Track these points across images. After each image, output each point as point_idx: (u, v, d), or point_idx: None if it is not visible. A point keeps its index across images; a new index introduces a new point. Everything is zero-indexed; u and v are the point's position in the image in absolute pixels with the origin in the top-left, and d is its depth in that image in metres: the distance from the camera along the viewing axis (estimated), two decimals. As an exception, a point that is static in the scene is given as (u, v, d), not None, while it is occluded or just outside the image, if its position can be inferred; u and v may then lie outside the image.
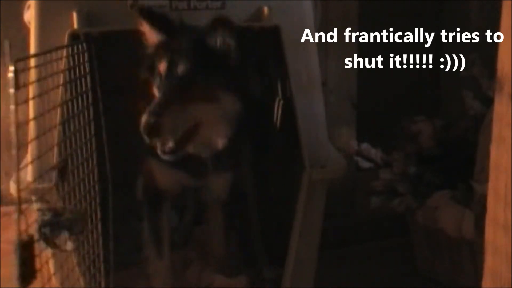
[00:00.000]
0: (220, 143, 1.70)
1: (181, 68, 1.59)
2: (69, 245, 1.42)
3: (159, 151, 1.62)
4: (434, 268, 2.33)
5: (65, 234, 1.37)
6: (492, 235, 1.34)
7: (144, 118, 1.52)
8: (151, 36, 1.70)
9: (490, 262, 1.36)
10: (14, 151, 1.24)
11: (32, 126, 1.66)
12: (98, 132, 1.66)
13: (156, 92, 1.65)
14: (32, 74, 1.56)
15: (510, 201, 1.28)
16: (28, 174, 1.72)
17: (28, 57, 1.37)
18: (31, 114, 1.68)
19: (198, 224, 2.21)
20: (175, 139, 1.59)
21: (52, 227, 1.35)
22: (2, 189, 2.36)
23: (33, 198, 1.50)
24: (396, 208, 2.28)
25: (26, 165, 1.55)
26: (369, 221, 2.58)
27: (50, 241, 1.34)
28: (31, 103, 1.65)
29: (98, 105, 1.66)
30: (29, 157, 1.71)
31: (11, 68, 1.17)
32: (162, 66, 1.62)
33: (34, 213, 1.38)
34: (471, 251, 2.11)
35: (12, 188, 1.71)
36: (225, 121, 1.66)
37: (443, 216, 2.18)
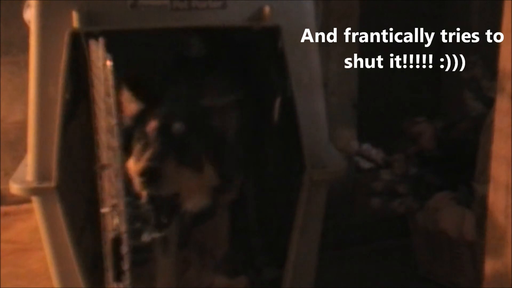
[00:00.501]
0: (194, 210, 1.69)
1: (176, 128, 1.55)
2: (146, 237, 1.41)
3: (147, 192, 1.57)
4: (434, 270, 2.32)
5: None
6: (493, 238, 1.34)
7: (143, 162, 1.47)
8: (130, 105, 1.66)
9: (490, 263, 1.36)
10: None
11: (31, 126, 1.66)
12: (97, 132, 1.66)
13: (137, 157, 1.57)
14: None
15: (510, 203, 1.27)
16: (28, 174, 1.72)
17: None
18: (31, 114, 1.68)
19: (197, 224, 2.21)
20: (167, 194, 1.54)
21: (142, 222, 1.35)
22: (2, 189, 2.36)
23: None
24: (397, 209, 2.28)
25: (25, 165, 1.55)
26: (369, 222, 2.58)
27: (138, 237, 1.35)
28: (31, 101, 1.65)
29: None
30: (29, 157, 1.71)
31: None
32: (152, 126, 1.57)
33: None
34: (472, 253, 2.11)
35: (12, 188, 1.71)
36: (203, 193, 1.64)
37: (444, 217, 2.18)
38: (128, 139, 1.59)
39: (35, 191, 1.69)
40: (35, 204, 1.71)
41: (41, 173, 1.67)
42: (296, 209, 1.85)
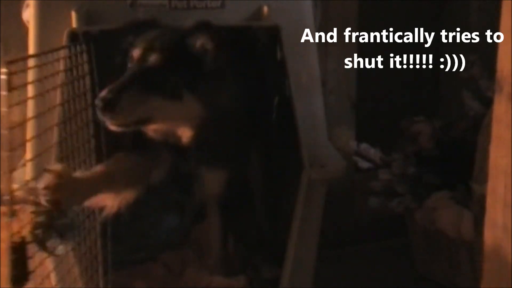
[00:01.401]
0: (183, 140, 1.69)
1: (153, 58, 1.57)
2: (60, 250, 1.41)
3: (107, 123, 1.57)
4: (432, 269, 2.33)
5: (56, 239, 1.36)
6: (491, 236, 1.34)
7: (102, 93, 1.50)
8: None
9: (489, 263, 1.36)
10: (4, 154, 1.23)
11: (30, 126, 1.66)
12: (97, 132, 1.66)
13: None
14: (30, 74, 1.56)
15: (509, 202, 1.27)
16: (27, 174, 1.72)
17: (22, 58, 1.36)
18: (29, 114, 1.68)
19: (196, 224, 2.21)
20: (125, 123, 1.55)
21: (44, 230, 1.35)
22: (1, 189, 2.35)
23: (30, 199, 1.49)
24: (395, 209, 2.28)
25: (23, 165, 1.54)
26: (368, 221, 2.58)
27: (41, 244, 1.34)
28: (29, 103, 1.65)
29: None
30: (28, 157, 1.71)
31: (3, 70, 1.16)
32: (136, 53, 1.60)
33: (28, 215, 1.38)
34: (470, 252, 2.11)
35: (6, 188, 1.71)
36: (184, 122, 1.64)
37: (442, 217, 2.18)
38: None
39: (32, 191, 1.69)
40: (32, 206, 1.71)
41: (40, 173, 1.66)
42: (295, 208, 1.85)
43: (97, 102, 1.49)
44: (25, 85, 1.28)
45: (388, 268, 2.43)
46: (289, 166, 1.99)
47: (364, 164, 2.35)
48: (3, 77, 1.16)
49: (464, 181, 2.09)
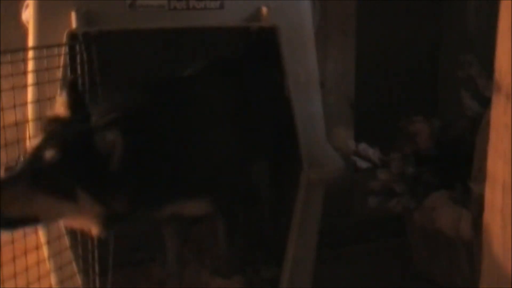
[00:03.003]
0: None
1: (49, 153, 1.43)
2: None
3: None
4: (431, 269, 2.33)
5: None
6: (489, 236, 1.34)
7: None
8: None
9: (487, 262, 1.36)
10: None
11: (30, 126, 1.66)
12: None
13: None
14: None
15: (507, 202, 1.28)
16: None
17: (19, 50, 1.35)
18: (30, 114, 1.68)
19: (195, 224, 2.21)
20: (9, 219, 1.41)
21: None
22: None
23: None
24: (394, 208, 2.28)
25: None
26: (367, 221, 2.58)
27: None
28: (29, 101, 1.66)
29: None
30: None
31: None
32: (34, 143, 1.48)
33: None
34: (469, 252, 2.11)
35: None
36: (83, 221, 1.50)
37: (441, 217, 2.19)
38: None
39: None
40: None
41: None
42: (294, 208, 1.86)
43: None
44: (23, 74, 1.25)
45: (387, 267, 2.43)
46: (288, 166, 1.99)
47: (362, 164, 2.35)
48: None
49: (463, 181, 2.09)
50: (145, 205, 1.57)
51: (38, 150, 1.44)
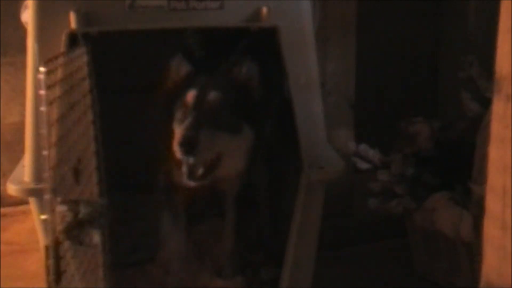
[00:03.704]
0: (235, 175, 1.75)
1: (211, 97, 1.61)
2: (95, 239, 1.41)
3: (185, 177, 1.62)
4: (431, 270, 2.33)
5: (89, 230, 1.36)
6: (491, 236, 1.34)
7: (180, 132, 1.53)
8: (179, 69, 1.76)
9: (488, 263, 1.36)
10: (45, 152, 1.22)
11: (29, 127, 1.66)
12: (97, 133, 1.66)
13: (177, 125, 1.66)
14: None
15: (508, 203, 1.28)
16: (26, 175, 1.72)
17: (56, 57, 1.36)
18: (28, 115, 1.68)
19: (195, 225, 2.21)
20: (205, 164, 1.60)
21: (77, 226, 1.34)
22: (1, 190, 2.36)
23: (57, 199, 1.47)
24: (394, 210, 2.28)
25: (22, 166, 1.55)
26: (367, 222, 2.58)
27: (77, 240, 1.34)
28: (28, 102, 1.65)
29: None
30: (26, 158, 1.71)
31: (42, 69, 1.18)
32: (190, 96, 1.64)
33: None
34: (469, 253, 2.11)
35: (10, 189, 1.71)
36: (242, 153, 1.70)
37: (441, 218, 2.18)
38: (171, 107, 1.69)
39: (32, 192, 1.69)
40: (32, 205, 1.71)
41: (38, 174, 1.66)
42: (294, 209, 1.85)
43: (179, 143, 1.53)
44: (55, 83, 1.27)
45: (387, 268, 2.43)
46: (289, 167, 1.99)
47: (363, 165, 2.35)
48: (41, 76, 1.16)
49: (463, 182, 2.09)
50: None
51: (198, 98, 1.61)
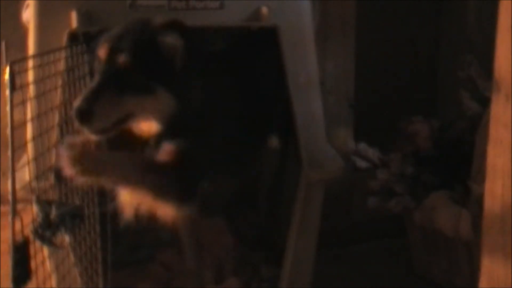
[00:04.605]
0: (151, 134, 1.65)
1: (121, 58, 1.54)
2: (66, 241, 1.41)
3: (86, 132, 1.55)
4: (431, 268, 2.33)
5: (61, 231, 1.36)
6: (489, 236, 1.35)
7: (76, 104, 1.49)
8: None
9: (487, 262, 1.36)
10: (9, 153, 1.24)
11: (30, 126, 1.66)
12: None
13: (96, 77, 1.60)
14: (30, 75, 1.57)
15: (507, 202, 1.28)
16: (27, 173, 1.72)
17: (24, 59, 1.37)
18: (29, 114, 1.68)
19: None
20: (105, 127, 1.54)
21: (48, 227, 1.35)
22: (1, 189, 2.35)
23: (32, 198, 1.49)
24: (393, 208, 2.28)
25: (24, 165, 1.55)
26: (366, 221, 2.58)
27: (46, 241, 1.34)
28: (29, 103, 1.65)
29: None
30: (28, 157, 1.71)
31: (7, 70, 1.17)
32: (102, 52, 1.56)
33: (30, 214, 1.37)
34: (468, 252, 2.12)
35: (10, 187, 1.71)
36: (156, 115, 1.60)
37: (440, 217, 2.19)
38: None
39: (34, 190, 1.69)
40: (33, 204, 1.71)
41: (39, 173, 1.67)
42: (294, 208, 1.86)
43: (73, 113, 1.48)
44: (27, 85, 1.28)
45: (387, 267, 2.43)
46: (288, 166, 1.99)
47: (362, 164, 2.36)
48: (6, 77, 1.16)
49: (462, 181, 2.09)
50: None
51: (110, 57, 1.54)
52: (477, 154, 2.02)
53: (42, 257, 1.63)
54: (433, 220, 2.21)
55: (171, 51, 1.56)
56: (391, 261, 2.47)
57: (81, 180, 1.50)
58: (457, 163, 2.21)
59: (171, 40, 1.56)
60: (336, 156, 1.95)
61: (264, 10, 1.79)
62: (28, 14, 1.74)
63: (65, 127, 1.61)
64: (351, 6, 2.51)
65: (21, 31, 1.86)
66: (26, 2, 1.79)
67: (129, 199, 1.63)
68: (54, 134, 1.60)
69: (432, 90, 2.82)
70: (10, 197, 1.27)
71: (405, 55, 2.75)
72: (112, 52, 1.56)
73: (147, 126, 1.62)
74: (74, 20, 1.68)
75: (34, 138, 1.53)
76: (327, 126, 1.96)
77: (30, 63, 1.50)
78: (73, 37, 1.65)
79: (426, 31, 2.75)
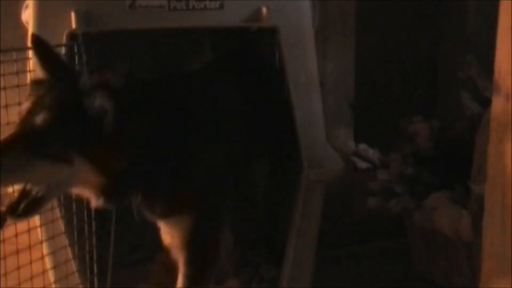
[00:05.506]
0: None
1: (40, 117, 1.35)
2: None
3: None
4: (431, 269, 2.33)
5: None
6: (489, 236, 1.35)
7: None
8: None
9: (487, 263, 1.36)
10: None
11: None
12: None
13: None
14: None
15: (507, 202, 1.28)
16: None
17: (14, 49, 1.35)
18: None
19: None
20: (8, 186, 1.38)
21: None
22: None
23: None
24: (393, 209, 2.28)
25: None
26: (366, 221, 2.58)
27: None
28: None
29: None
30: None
31: None
32: (23, 109, 1.39)
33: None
34: (468, 252, 2.12)
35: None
36: (80, 186, 1.45)
37: (440, 217, 2.19)
38: None
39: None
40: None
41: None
42: (294, 208, 1.86)
43: None
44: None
45: (387, 268, 2.43)
46: (288, 167, 1.99)
47: (362, 165, 2.36)
48: None
49: (463, 181, 2.09)
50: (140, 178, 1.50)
51: (28, 115, 1.37)
52: (477, 154, 2.02)
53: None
54: (433, 220, 2.21)
55: (99, 115, 1.36)
56: (391, 261, 2.47)
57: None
58: (457, 163, 2.21)
59: (100, 102, 1.35)
60: (336, 157, 1.95)
61: (264, 10, 1.79)
62: (28, 14, 1.74)
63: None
64: (351, 6, 2.51)
65: (21, 31, 1.86)
66: (26, 2, 1.79)
67: None
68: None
69: (432, 90, 2.81)
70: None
71: (405, 55, 2.75)
72: (33, 109, 1.37)
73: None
74: (73, 20, 1.67)
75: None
76: (326, 126, 1.96)
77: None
78: (73, 38, 1.65)
79: (426, 31, 2.75)
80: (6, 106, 1.53)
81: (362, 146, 2.37)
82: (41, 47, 1.48)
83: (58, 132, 1.36)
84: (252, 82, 1.94)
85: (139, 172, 1.47)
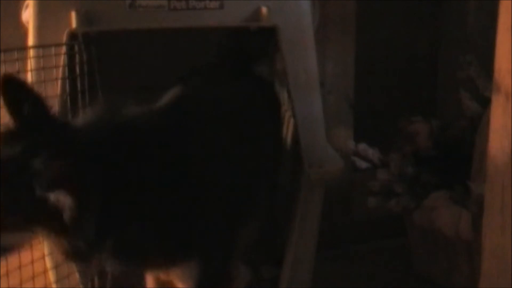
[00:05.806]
0: None
1: None
2: None
3: None
4: (430, 269, 2.33)
5: None
6: (489, 236, 1.35)
7: None
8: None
9: (487, 262, 1.36)
10: None
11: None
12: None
13: None
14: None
15: (507, 202, 1.28)
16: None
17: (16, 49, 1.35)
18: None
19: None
20: None
21: None
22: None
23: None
24: (393, 208, 2.28)
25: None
26: (366, 221, 2.58)
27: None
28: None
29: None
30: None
31: None
32: None
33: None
34: (468, 252, 2.12)
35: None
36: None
37: (440, 217, 2.19)
38: None
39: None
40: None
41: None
42: (294, 208, 1.86)
43: None
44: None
45: (386, 268, 2.43)
46: (288, 166, 1.99)
47: (362, 164, 2.36)
48: None
49: (462, 181, 2.09)
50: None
51: None
52: (477, 154, 2.02)
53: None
54: (433, 220, 2.21)
55: (56, 208, 1.20)
56: (391, 261, 2.47)
57: None
58: (457, 163, 2.21)
59: (58, 198, 1.19)
60: (336, 156, 1.95)
61: (264, 10, 1.79)
62: (28, 14, 1.74)
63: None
64: (351, 6, 2.51)
65: (22, 31, 1.86)
66: (26, 2, 1.79)
67: None
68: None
69: (432, 90, 2.81)
70: None
71: (405, 55, 2.75)
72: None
73: None
74: (73, 20, 1.67)
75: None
76: (326, 126, 1.96)
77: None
78: (73, 37, 1.65)
79: (426, 31, 2.75)
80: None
81: (362, 146, 2.37)
82: (13, 87, 1.26)
83: (12, 210, 1.22)
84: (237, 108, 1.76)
85: (111, 230, 1.31)
